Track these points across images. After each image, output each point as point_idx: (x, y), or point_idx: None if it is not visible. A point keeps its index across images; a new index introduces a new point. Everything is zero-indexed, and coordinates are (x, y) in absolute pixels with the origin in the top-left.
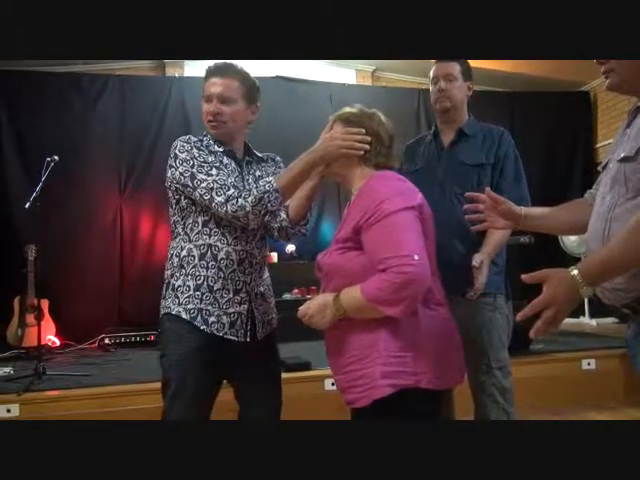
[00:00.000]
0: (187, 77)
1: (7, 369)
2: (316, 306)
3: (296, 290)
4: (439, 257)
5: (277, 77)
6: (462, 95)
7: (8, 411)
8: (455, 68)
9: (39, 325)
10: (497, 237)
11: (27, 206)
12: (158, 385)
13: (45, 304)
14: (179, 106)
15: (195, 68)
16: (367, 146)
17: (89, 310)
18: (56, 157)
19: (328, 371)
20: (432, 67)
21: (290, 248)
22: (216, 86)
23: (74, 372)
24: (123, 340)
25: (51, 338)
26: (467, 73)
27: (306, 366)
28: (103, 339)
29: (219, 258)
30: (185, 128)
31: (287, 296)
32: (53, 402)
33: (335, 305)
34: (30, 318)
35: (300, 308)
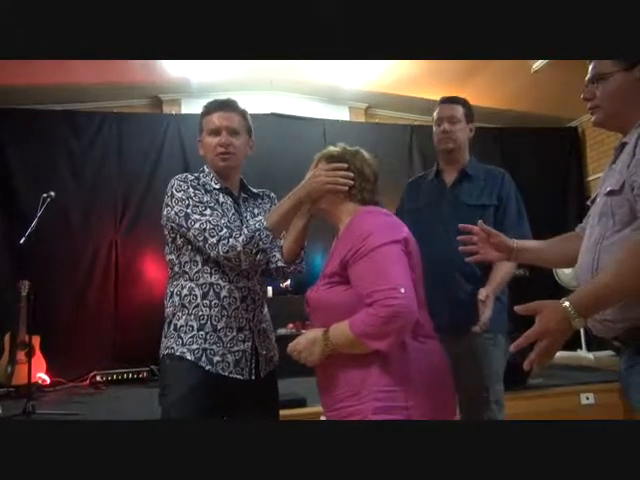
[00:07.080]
0: (184, 114)
1: None
2: (305, 341)
3: (291, 325)
4: (443, 293)
5: (272, 114)
6: (465, 137)
7: None
8: (459, 110)
9: (29, 362)
10: (503, 272)
11: (22, 242)
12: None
13: (37, 341)
14: (176, 143)
15: (192, 106)
16: (351, 182)
17: (81, 346)
18: (52, 193)
19: None
20: (436, 108)
21: (285, 282)
22: (222, 119)
23: (64, 411)
24: (115, 377)
25: (41, 376)
26: (470, 115)
27: (301, 403)
28: (94, 376)
29: (222, 296)
30: (182, 165)
31: (282, 331)
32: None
33: (324, 340)
34: (21, 355)
35: (290, 344)
